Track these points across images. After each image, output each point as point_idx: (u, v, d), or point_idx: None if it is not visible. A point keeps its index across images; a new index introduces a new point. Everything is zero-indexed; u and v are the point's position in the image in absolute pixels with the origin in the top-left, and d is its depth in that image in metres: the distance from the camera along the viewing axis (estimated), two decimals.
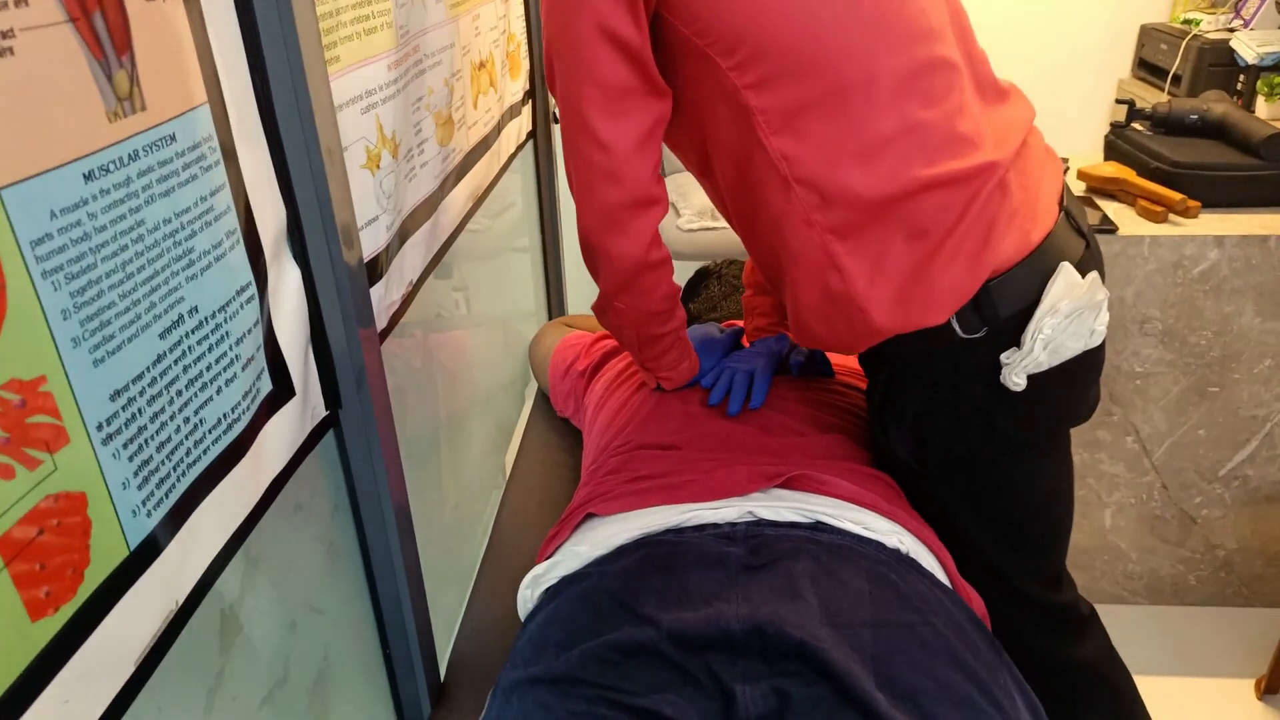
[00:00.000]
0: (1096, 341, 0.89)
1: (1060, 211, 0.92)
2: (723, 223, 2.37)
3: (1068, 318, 0.86)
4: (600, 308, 1.03)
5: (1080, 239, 0.93)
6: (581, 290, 2.97)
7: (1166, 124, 1.71)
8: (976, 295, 0.87)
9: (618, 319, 1.03)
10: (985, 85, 0.92)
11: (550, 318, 2.03)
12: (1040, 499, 1.00)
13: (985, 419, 0.93)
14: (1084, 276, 0.88)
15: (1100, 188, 1.67)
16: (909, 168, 0.84)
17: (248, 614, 0.72)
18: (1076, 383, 0.93)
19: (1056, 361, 0.88)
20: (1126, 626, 1.74)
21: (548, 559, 0.91)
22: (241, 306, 0.65)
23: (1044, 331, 0.86)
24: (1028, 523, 1.00)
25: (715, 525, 0.85)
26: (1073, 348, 0.88)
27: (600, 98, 0.86)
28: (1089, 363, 0.92)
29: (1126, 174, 1.64)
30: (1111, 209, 1.61)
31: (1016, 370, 0.87)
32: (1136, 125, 1.77)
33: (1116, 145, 1.76)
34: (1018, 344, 0.88)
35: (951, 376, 0.91)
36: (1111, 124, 1.81)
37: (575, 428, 1.49)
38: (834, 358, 1.23)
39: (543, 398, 1.61)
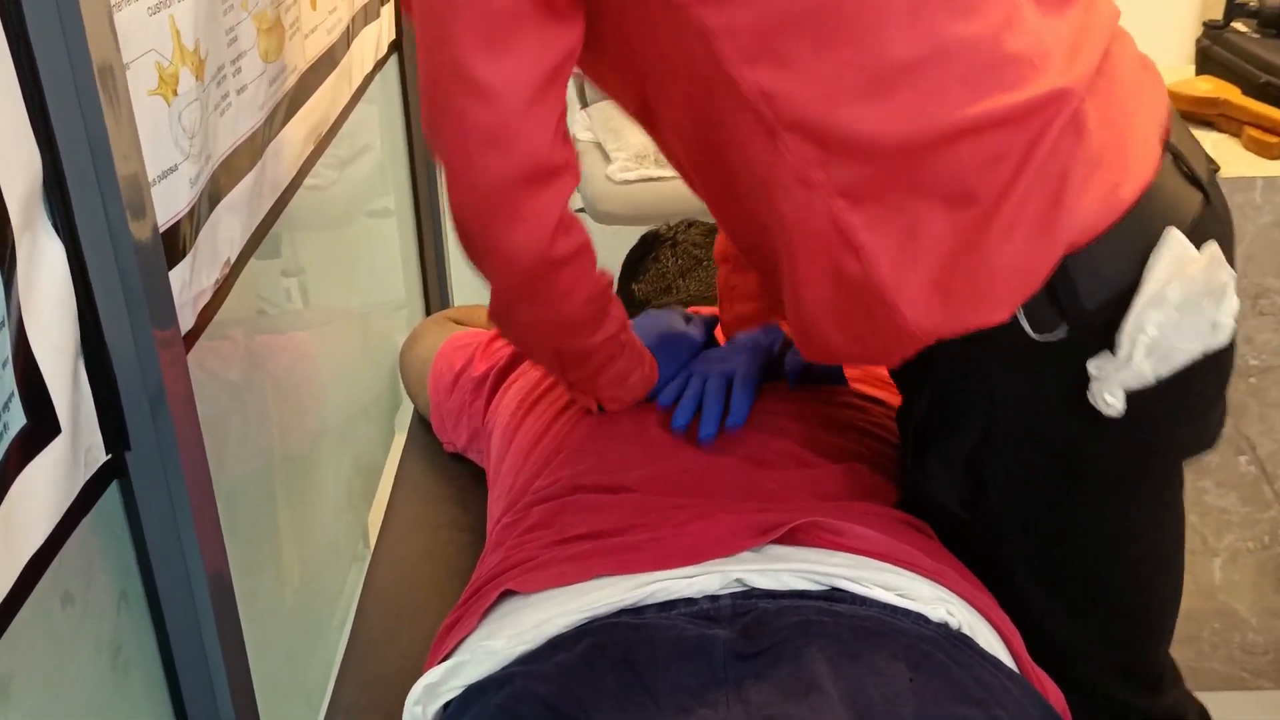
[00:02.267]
0: (1221, 339, 0.88)
1: (1164, 152, 0.92)
2: (671, 170, 2.37)
3: (1179, 309, 0.85)
4: (498, 316, 1.02)
5: (1194, 190, 0.92)
6: (472, 271, 2.96)
7: None
8: (1050, 279, 0.86)
9: (524, 333, 1.03)
10: None
11: (429, 312, 2.02)
12: (1140, 563, 1.01)
13: (1068, 452, 0.93)
14: (1199, 245, 0.88)
15: (1192, 113, 1.71)
16: (942, 104, 0.85)
17: None
18: (1194, 398, 0.93)
19: (1166, 371, 0.87)
20: (1248, 719, 1.78)
21: (445, 659, 0.90)
22: None
23: (1147, 331, 0.85)
24: (1122, 600, 1.01)
25: (689, 601, 0.86)
26: (1187, 350, 0.87)
27: (478, 23, 0.85)
28: (1212, 368, 0.91)
29: (1228, 92, 1.69)
30: (1209, 141, 1.65)
31: (1110, 386, 0.87)
32: (1239, 25, 1.82)
33: (1213, 54, 1.81)
34: (1111, 347, 0.87)
35: (1020, 396, 0.92)
36: (1205, 24, 1.86)
37: (473, 466, 1.48)
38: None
39: (422, 427, 1.60)
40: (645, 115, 1.00)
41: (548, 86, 0.88)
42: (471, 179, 0.89)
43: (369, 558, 1.46)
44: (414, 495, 1.50)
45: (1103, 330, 0.87)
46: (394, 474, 1.58)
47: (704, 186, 0.99)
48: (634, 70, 0.95)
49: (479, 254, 0.96)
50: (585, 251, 0.97)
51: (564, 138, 0.91)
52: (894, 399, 1.21)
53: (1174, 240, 0.87)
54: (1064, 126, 0.85)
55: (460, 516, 1.44)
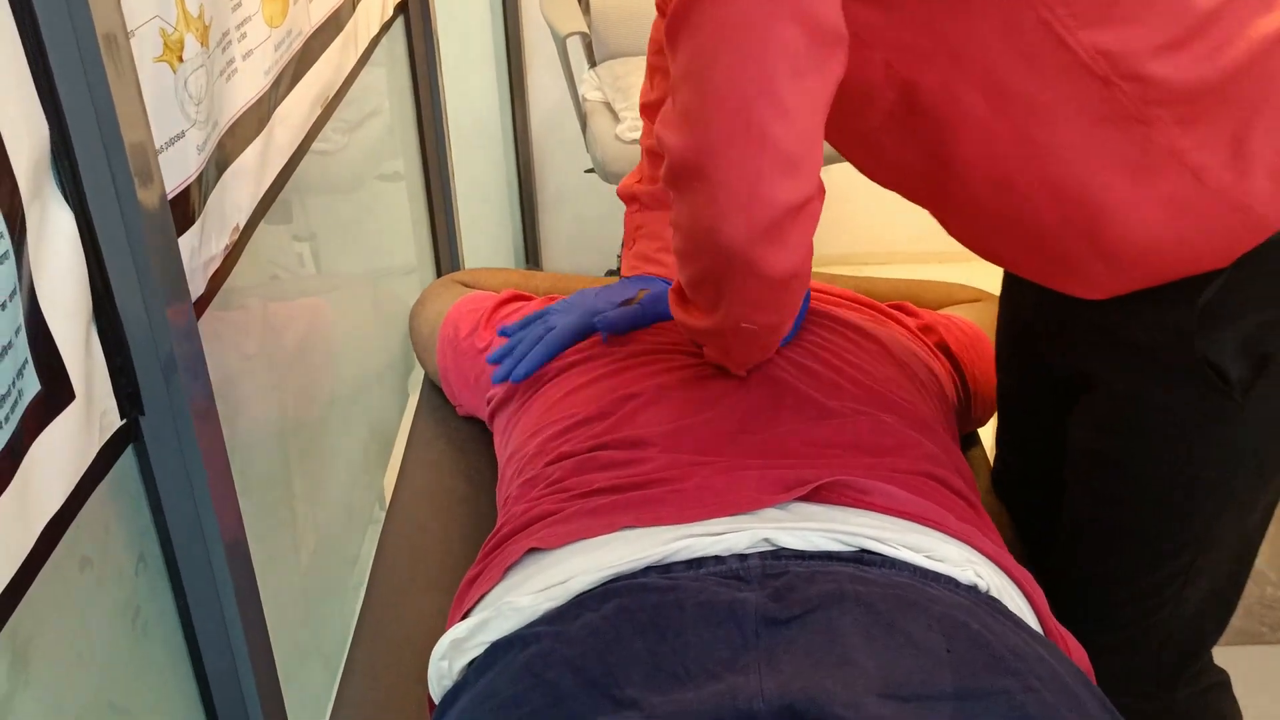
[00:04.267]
0: None
1: None
2: None
3: None
4: (714, 331, 1.03)
5: None
6: (482, 234, 2.97)
7: None
8: None
9: (729, 341, 1.05)
10: None
11: (439, 275, 2.02)
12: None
13: None
14: None
15: None
16: (1251, 28, 0.90)
17: None
18: None
19: None
20: (1267, 673, 1.77)
21: (469, 615, 0.91)
22: None
23: None
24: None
25: (718, 559, 0.86)
26: None
27: (801, 42, 0.84)
28: None
29: None
30: None
31: None
32: None
33: None
34: None
35: None
36: None
37: (486, 427, 1.49)
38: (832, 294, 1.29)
39: (434, 390, 1.61)
40: (910, 108, 0.99)
41: (827, 107, 0.88)
42: (758, 205, 0.88)
43: (384, 520, 1.47)
44: (427, 458, 1.51)
45: None
46: (407, 437, 1.59)
47: (994, 164, 0.99)
48: (927, 66, 0.94)
49: (730, 278, 0.94)
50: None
51: None
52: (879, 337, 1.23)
53: None
54: None
55: (473, 478, 1.45)
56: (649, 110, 1.33)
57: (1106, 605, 1.14)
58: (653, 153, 1.33)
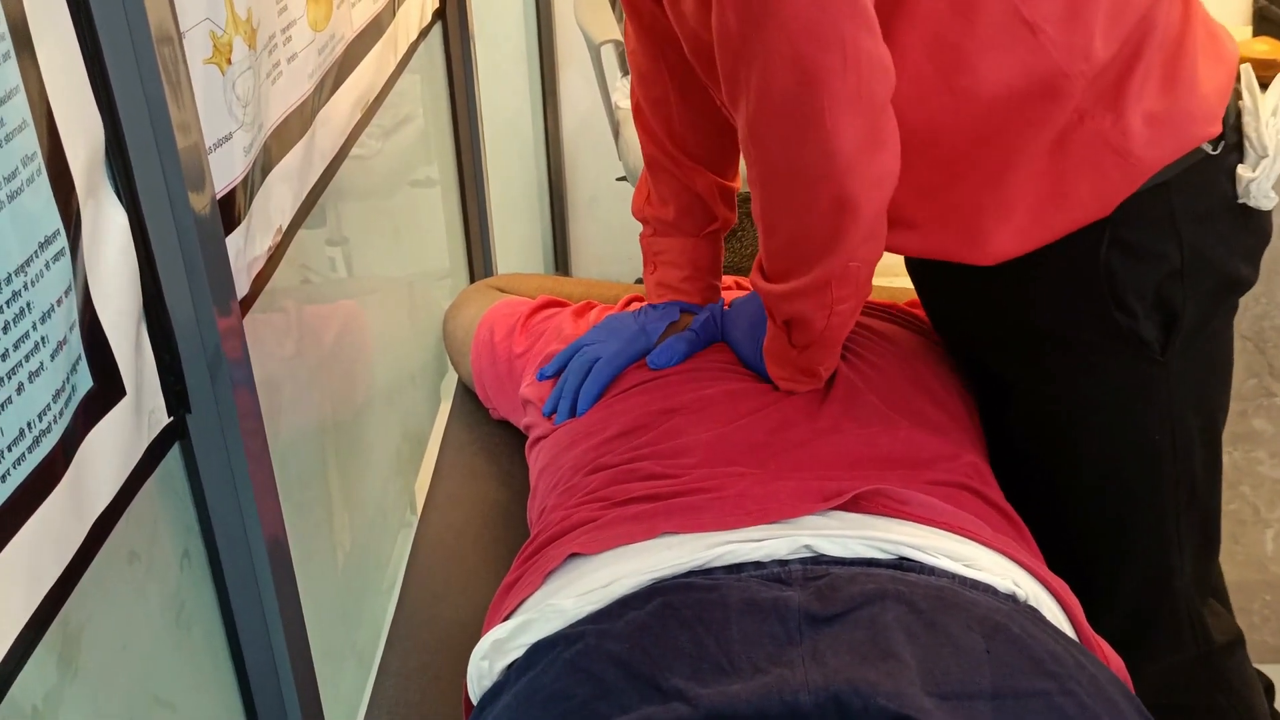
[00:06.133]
0: None
1: None
2: None
3: None
4: (817, 284, 1.02)
5: None
6: (516, 240, 2.97)
7: None
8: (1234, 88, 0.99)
9: (840, 290, 1.03)
10: None
11: (472, 279, 2.03)
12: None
13: (1228, 268, 1.04)
14: None
15: None
16: None
17: (66, 713, 0.71)
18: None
19: None
20: None
21: (511, 617, 0.91)
22: (47, 265, 0.64)
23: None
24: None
25: (758, 564, 0.86)
26: None
27: None
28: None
29: None
30: None
31: (1262, 181, 0.99)
32: None
33: (1270, 14, 1.79)
34: (1239, 151, 1.02)
35: (1198, 217, 1.01)
36: None
37: (518, 432, 1.49)
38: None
39: (466, 394, 1.62)
40: None
41: None
42: (863, 103, 0.91)
43: (416, 523, 1.48)
44: (459, 462, 1.52)
45: (1232, 135, 1.02)
46: (440, 441, 1.59)
47: (923, 115, 1.02)
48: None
49: (849, 190, 0.95)
50: None
51: None
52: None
53: None
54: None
55: (505, 483, 1.46)
56: (643, 115, 1.32)
57: (1124, 594, 1.15)
58: (655, 163, 1.32)
